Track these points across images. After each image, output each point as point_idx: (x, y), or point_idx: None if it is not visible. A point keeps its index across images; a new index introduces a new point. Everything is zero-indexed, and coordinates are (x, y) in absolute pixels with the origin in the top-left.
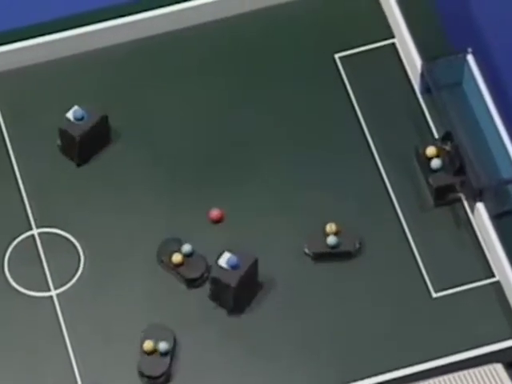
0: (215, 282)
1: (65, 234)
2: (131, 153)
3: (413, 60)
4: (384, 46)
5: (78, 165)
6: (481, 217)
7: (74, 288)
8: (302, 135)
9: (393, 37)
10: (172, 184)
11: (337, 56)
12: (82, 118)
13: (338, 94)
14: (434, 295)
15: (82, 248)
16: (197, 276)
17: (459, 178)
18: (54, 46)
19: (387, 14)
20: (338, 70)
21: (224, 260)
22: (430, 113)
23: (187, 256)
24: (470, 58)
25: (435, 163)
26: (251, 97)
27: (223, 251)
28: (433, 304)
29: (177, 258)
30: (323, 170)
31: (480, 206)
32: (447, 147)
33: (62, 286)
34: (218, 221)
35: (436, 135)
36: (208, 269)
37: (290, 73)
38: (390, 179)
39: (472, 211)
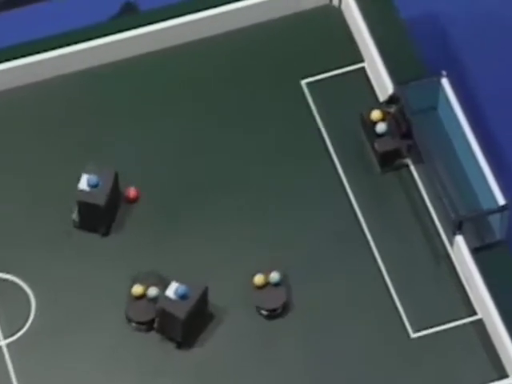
0: (163, 314)
1: (16, 279)
2: None
3: (384, 84)
4: (353, 70)
5: (104, 234)
6: (460, 250)
7: (25, 337)
8: (269, 162)
9: (362, 60)
10: (133, 226)
11: (303, 82)
12: (96, 185)
13: (305, 122)
14: (412, 335)
15: (34, 295)
16: (142, 320)
17: (405, 141)
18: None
19: (356, 36)
20: (305, 96)
21: (172, 290)
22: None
23: (148, 298)
24: (445, 82)
25: (380, 127)
26: (214, 123)
27: (170, 282)
28: (411, 345)
29: (137, 289)
30: (289, 198)
31: (459, 238)
32: (392, 110)
33: (12, 335)
34: (134, 199)
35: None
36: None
37: (256, 100)
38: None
39: (451, 244)
